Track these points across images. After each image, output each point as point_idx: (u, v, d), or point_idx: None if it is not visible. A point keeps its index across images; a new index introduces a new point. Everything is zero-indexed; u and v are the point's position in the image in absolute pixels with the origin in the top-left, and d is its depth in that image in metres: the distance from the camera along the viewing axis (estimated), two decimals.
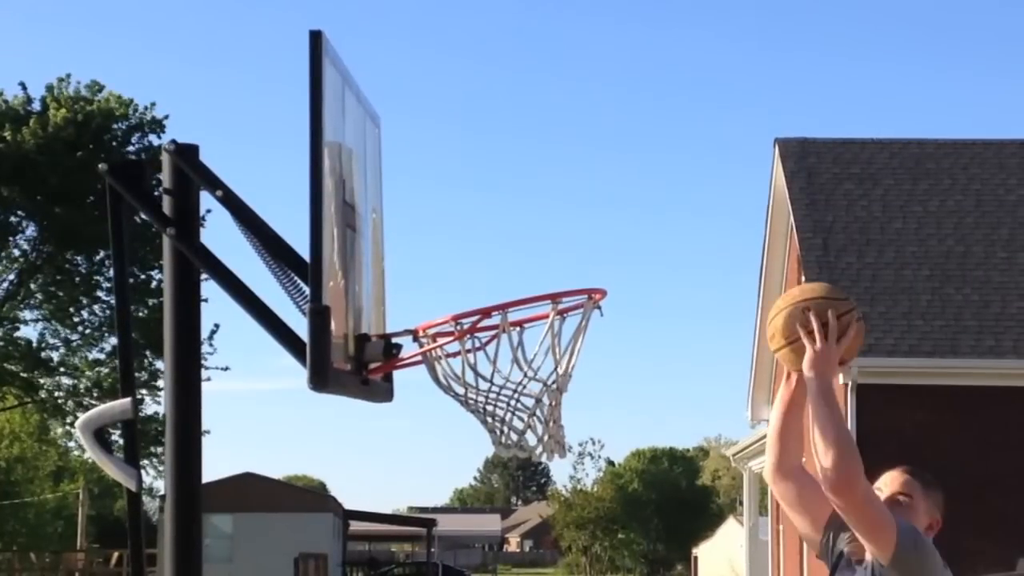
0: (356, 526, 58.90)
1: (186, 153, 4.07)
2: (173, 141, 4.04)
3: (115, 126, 38.34)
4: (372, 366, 4.03)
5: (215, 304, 35.48)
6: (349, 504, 56.04)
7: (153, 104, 38.87)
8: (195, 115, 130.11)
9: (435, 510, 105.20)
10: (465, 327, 3.87)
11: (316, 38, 3.76)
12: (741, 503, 48.39)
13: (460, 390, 3.91)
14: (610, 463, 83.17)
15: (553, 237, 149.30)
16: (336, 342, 3.80)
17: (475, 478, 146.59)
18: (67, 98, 37.41)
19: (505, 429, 3.95)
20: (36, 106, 37.69)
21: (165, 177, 4.08)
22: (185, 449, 3.97)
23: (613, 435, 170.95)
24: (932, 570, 4.16)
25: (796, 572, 22.63)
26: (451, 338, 3.88)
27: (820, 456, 3.98)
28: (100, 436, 4.06)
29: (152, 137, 38.95)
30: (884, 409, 18.67)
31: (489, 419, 3.95)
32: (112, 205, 4.16)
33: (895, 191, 21.89)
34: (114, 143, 38.21)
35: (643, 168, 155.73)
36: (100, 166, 4.19)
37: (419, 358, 3.96)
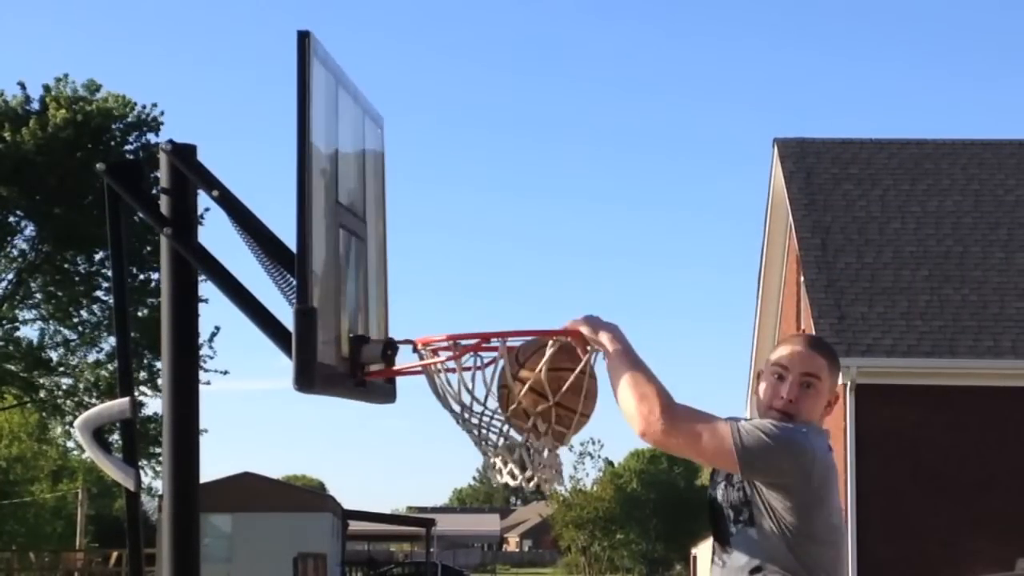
0: (355, 526, 58.90)
1: (183, 153, 4.05)
2: (170, 141, 4.04)
3: (114, 126, 38.38)
4: (372, 368, 3.98)
5: (215, 305, 35.47)
6: (348, 504, 56.08)
7: (155, 104, 38.95)
8: (193, 114, 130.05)
9: (434, 510, 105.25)
10: (461, 349, 3.73)
11: (304, 39, 3.71)
12: None
13: (456, 408, 3.76)
14: (609, 463, 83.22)
15: (551, 236, 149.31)
16: (331, 344, 3.77)
17: (474, 478, 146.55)
18: (66, 98, 37.44)
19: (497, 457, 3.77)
20: (35, 106, 37.73)
21: (162, 176, 4.07)
22: (183, 449, 3.96)
23: (612, 435, 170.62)
24: (778, 461, 3.62)
25: None
26: (447, 357, 3.74)
27: (626, 417, 3.65)
28: (99, 436, 4.05)
29: (150, 136, 39.01)
30: (883, 409, 18.67)
31: (483, 443, 3.78)
32: (110, 204, 4.14)
33: (894, 191, 21.89)
34: (112, 143, 38.25)
35: (642, 168, 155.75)
36: (98, 165, 4.18)
37: (419, 368, 3.85)
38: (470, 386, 3.74)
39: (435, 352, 3.77)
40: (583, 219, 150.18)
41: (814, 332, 19.10)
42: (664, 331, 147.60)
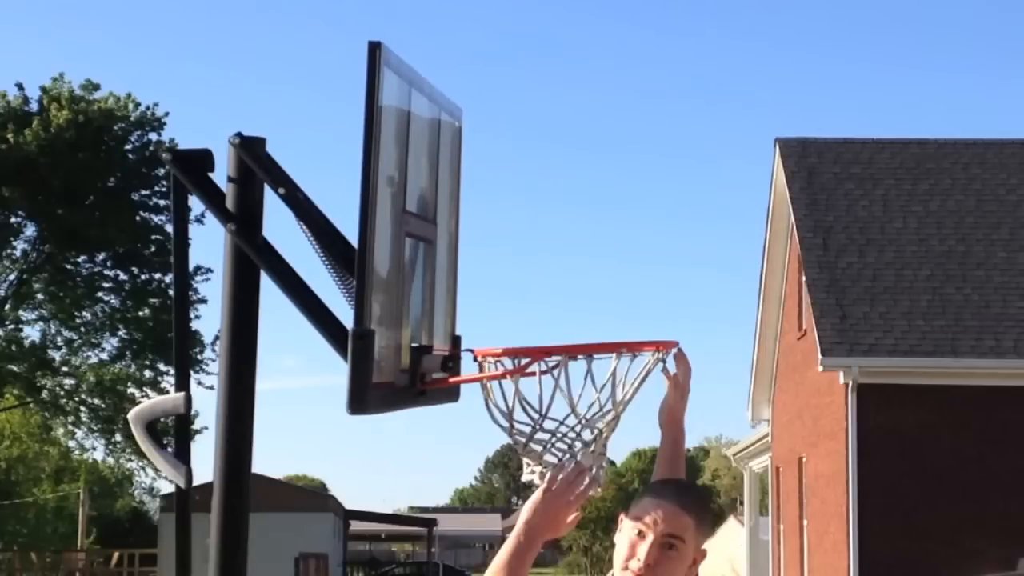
0: (357, 526, 58.97)
1: (251, 145, 3.86)
2: (238, 133, 3.86)
3: (115, 127, 38.45)
4: (434, 376, 3.87)
5: (214, 305, 35.55)
6: (349, 504, 56.12)
7: (156, 104, 39.03)
8: (198, 116, 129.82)
9: (436, 510, 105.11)
10: (521, 364, 3.61)
11: (374, 50, 3.44)
12: (741, 503, 48.43)
13: (504, 422, 3.65)
14: (611, 463, 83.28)
15: (549, 236, 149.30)
16: (391, 357, 3.65)
17: (475, 478, 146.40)
18: (67, 98, 37.50)
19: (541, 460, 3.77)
20: (33, 106, 37.79)
21: (229, 169, 3.89)
22: (236, 449, 3.86)
23: (614, 435, 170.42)
24: None
25: (797, 572, 22.71)
26: (504, 373, 3.63)
27: None
28: (152, 429, 3.94)
29: (152, 135, 39.11)
30: (884, 409, 18.74)
31: (529, 452, 3.69)
32: (176, 194, 3.97)
33: (895, 191, 21.97)
34: (113, 143, 38.33)
35: (642, 168, 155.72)
36: (163, 154, 4.02)
37: (479, 374, 3.73)
38: (526, 397, 3.64)
39: (497, 362, 3.64)
40: (581, 219, 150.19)
41: (816, 332, 19.16)
42: (665, 331, 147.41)
